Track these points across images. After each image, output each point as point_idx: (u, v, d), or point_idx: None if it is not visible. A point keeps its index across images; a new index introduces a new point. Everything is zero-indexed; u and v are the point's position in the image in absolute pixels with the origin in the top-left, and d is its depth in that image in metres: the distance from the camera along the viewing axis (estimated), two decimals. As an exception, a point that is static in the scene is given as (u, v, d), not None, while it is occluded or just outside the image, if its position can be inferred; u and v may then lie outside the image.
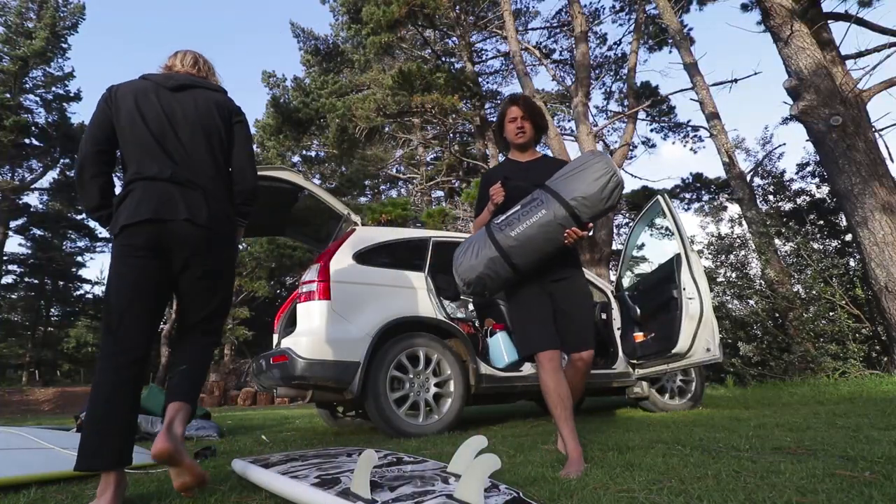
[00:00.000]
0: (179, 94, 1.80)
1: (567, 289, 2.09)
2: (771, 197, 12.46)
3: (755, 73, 12.19)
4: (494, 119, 2.40)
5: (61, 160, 22.05)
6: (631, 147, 14.16)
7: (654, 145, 31.02)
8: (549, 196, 1.92)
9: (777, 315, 7.68)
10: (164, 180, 1.66)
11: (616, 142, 13.13)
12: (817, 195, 12.23)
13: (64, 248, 24.91)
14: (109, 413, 1.48)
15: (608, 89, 17.28)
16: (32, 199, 23.32)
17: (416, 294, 3.43)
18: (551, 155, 7.68)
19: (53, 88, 22.18)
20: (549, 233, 1.90)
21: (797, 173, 13.13)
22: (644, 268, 4.77)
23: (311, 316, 3.13)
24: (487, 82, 17.93)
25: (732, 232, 9.04)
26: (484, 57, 17.57)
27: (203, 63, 2.00)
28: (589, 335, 2.08)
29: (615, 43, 16.69)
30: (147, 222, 1.60)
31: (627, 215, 19.63)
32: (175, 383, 1.70)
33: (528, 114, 2.24)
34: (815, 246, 8.94)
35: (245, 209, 1.88)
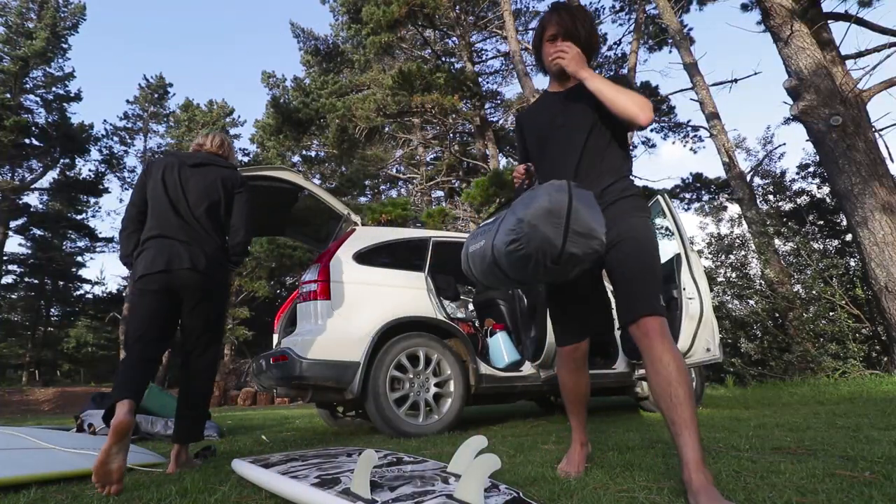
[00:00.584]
0: (196, 169, 2.37)
1: (614, 254, 1.53)
2: (771, 197, 12.47)
3: (755, 73, 12.26)
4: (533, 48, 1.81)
5: (61, 160, 22.04)
6: (631, 147, 14.16)
7: (654, 145, 31.07)
8: (496, 224, 1.48)
9: (777, 315, 7.68)
10: (174, 239, 2.21)
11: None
12: (817, 195, 12.24)
13: (64, 248, 24.90)
14: (131, 376, 1.99)
15: (608, 89, 17.28)
16: (32, 199, 23.32)
17: (416, 294, 3.43)
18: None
19: (54, 88, 22.18)
20: (483, 271, 1.51)
21: (798, 173, 13.15)
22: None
23: (311, 316, 3.13)
24: (487, 82, 17.93)
25: (732, 232, 9.04)
26: (484, 57, 17.58)
27: (227, 146, 2.61)
28: (637, 296, 1.46)
29: (615, 43, 16.72)
30: (161, 272, 2.16)
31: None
32: (183, 416, 2.30)
33: (572, 29, 1.64)
34: (815, 246, 8.95)
35: (236, 259, 2.44)
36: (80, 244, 25.44)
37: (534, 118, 1.79)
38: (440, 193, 20.30)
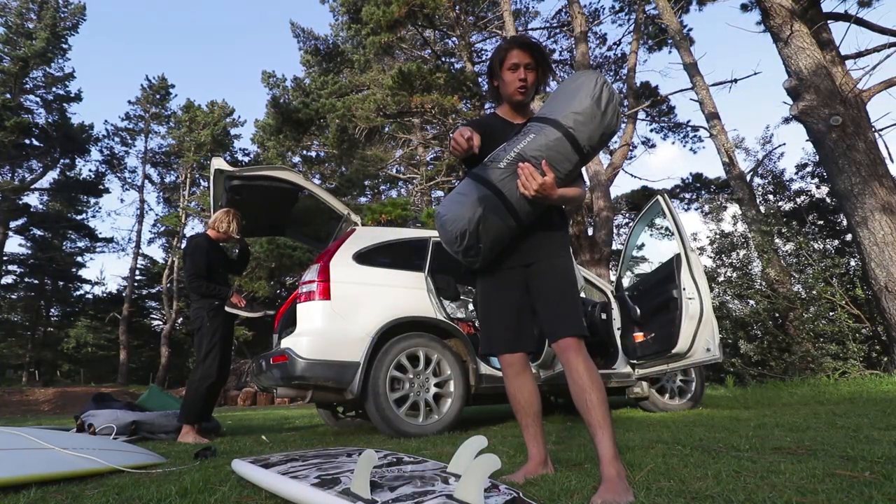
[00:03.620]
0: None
1: (536, 271, 1.70)
2: (771, 197, 12.45)
3: (755, 73, 12.20)
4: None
5: (61, 160, 22.07)
6: (631, 147, 14.15)
7: (653, 145, 31.13)
8: (538, 123, 1.59)
9: (777, 315, 7.68)
10: None
11: (616, 142, 13.13)
12: (817, 195, 12.23)
13: (64, 248, 24.92)
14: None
15: (608, 89, 17.29)
16: (32, 199, 23.36)
17: (416, 294, 3.43)
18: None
19: (54, 89, 22.21)
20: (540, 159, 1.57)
21: (797, 173, 13.14)
22: (644, 268, 4.77)
23: (311, 316, 3.13)
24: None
25: (735, 230, 9.03)
26: (484, 57, 17.56)
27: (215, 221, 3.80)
28: (562, 318, 1.63)
29: (615, 43, 16.75)
30: None
31: (627, 215, 19.65)
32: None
33: (535, 62, 1.75)
34: (816, 246, 8.95)
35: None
36: (80, 244, 25.48)
37: (489, 138, 1.72)
38: (440, 193, 20.29)
